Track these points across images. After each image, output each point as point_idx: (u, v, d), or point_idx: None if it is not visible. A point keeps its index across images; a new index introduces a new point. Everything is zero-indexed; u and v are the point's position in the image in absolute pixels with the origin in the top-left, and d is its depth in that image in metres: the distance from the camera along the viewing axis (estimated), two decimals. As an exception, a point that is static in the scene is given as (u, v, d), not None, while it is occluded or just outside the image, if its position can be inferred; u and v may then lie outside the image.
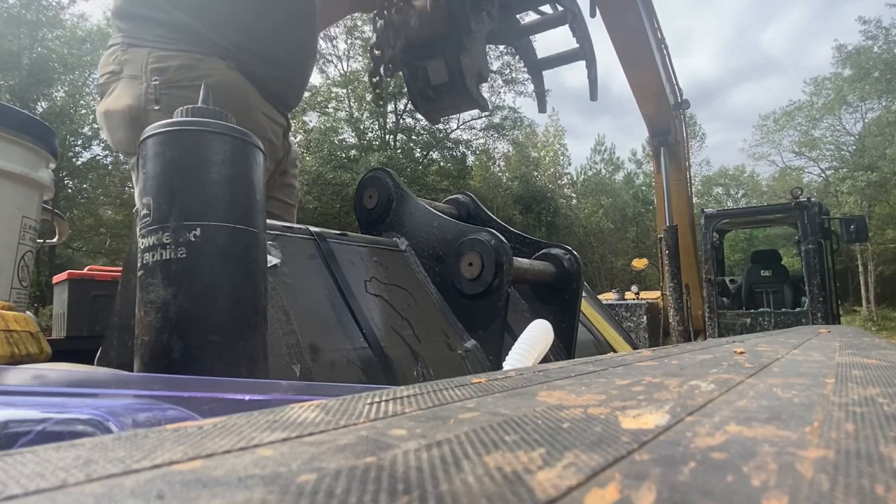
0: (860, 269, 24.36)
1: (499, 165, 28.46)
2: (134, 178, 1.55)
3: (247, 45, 1.59)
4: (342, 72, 21.09)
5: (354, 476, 0.19)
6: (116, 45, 1.54)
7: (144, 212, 0.73)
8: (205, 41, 1.53)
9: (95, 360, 1.03)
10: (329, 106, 21.07)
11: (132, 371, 0.72)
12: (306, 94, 20.39)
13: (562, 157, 32.77)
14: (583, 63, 2.30)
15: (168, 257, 0.70)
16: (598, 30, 3.19)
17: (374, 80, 1.90)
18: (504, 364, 0.99)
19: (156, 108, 1.47)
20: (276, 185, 1.94)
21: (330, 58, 21.14)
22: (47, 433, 0.39)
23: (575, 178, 33.61)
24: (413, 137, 23.20)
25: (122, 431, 0.37)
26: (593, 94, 2.34)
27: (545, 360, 1.05)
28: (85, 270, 2.45)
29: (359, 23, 20.47)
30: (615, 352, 1.92)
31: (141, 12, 1.52)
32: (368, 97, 19.41)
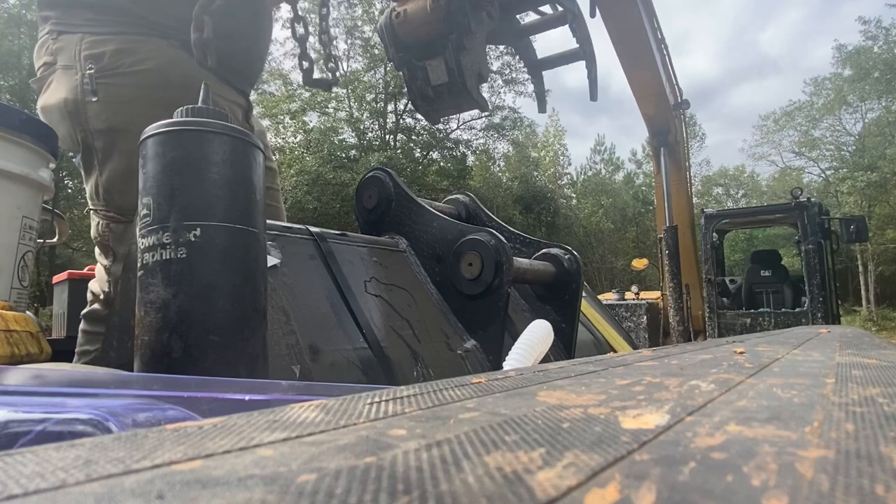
0: (860, 269, 24.36)
1: (499, 165, 28.46)
2: (84, 175, 1.47)
3: (187, 17, 1.43)
4: (342, 72, 21.09)
5: (354, 476, 0.19)
6: (46, 34, 1.41)
7: (144, 212, 0.73)
8: (141, 21, 1.39)
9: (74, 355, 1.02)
10: (329, 106, 21.07)
11: (132, 371, 0.72)
12: (306, 95, 20.41)
13: (562, 157, 32.80)
14: (582, 63, 2.30)
15: (168, 257, 0.70)
16: (598, 30, 3.20)
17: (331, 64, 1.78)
18: (504, 364, 0.99)
19: (93, 99, 1.36)
20: None
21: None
22: (47, 433, 0.39)
23: (575, 178, 33.64)
24: (413, 137, 23.20)
25: (122, 431, 0.37)
26: (593, 95, 2.34)
27: (545, 360, 1.05)
28: (85, 270, 2.46)
29: (359, 23, 20.49)
30: (615, 352, 1.92)
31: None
32: (358, 113, 19.36)
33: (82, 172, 1.49)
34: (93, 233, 1.52)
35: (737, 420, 0.30)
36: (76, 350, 1.42)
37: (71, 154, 1.55)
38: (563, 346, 1.52)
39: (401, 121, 22.16)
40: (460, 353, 1.32)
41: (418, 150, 23.75)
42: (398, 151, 21.62)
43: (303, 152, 18.83)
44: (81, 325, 1.47)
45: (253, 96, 1.88)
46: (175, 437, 0.25)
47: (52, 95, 1.40)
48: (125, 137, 1.35)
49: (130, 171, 1.41)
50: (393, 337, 1.20)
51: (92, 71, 1.35)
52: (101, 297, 1.48)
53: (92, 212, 1.51)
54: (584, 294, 1.72)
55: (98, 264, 1.55)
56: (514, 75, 22.45)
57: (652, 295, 6.98)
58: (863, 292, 24.25)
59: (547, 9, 2.25)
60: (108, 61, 1.36)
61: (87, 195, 1.50)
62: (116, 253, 1.49)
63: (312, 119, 20.95)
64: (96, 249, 1.53)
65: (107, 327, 1.39)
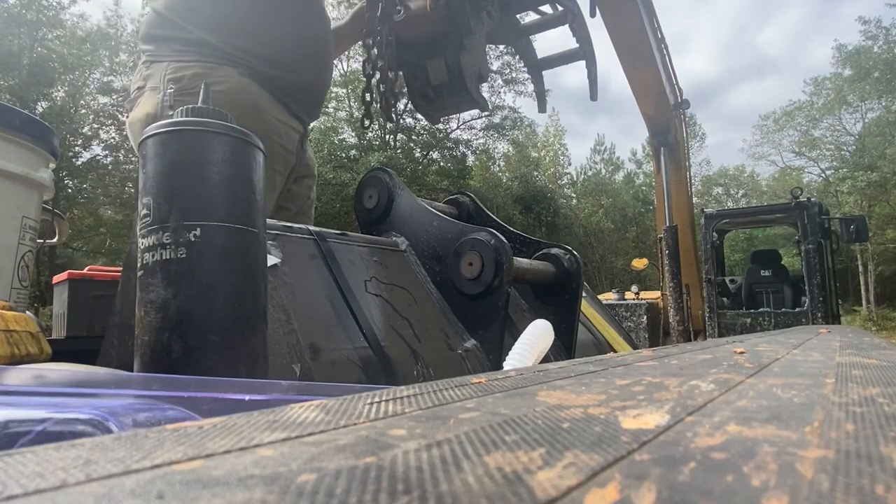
0: (860, 269, 24.36)
1: (499, 165, 28.45)
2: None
3: (257, 51, 1.66)
4: (342, 72, 21.08)
5: (354, 476, 0.19)
6: (142, 64, 1.67)
7: (144, 212, 0.73)
8: (216, 51, 1.62)
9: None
10: (329, 106, 21.06)
11: (132, 371, 0.72)
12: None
13: (562, 157, 32.80)
14: (581, 63, 2.30)
15: (168, 257, 0.70)
16: (598, 30, 3.19)
17: (366, 99, 1.88)
18: (504, 364, 0.99)
19: (170, 112, 1.52)
20: (290, 195, 1.92)
21: (330, 58, 21.13)
22: (47, 433, 0.39)
23: (575, 178, 33.63)
24: (413, 137, 23.18)
25: (122, 431, 0.37)
26: (593, 94, 2.34)
27: (545, 360, 1.05)
28: (85, 270, 2.45)
29: (359, 23, 20.44)
30: (615, 352, 1.92)
31: (162, 33, 1.64)
32: (358, 113, 19.41)
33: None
34: None
35: (737, 420, 0.30)
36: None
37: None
38: (563, 346, 1.52)
39: (401, 121, 22.15)
40: (460, 352, 1.32)
41: (418, 150, 23.73)
42: (398, 151, 21.60)
43: (303, 152, 18.79)
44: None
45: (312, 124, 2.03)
46: (175, 437, 0.25)
47: (139, 112, 1.61)
48: None
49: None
50: (393, 336, 1.20)
51: (172, 90, 1.57)
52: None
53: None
54: (584, 294, 1.72)
55: None
56: (514, 75, 22.46)
57: (652, 295, 6.98)
58: (863, 292, 24.25)
59: (547, 9, 2.25)
60: (186, 83, 1.57)
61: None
62: None
63: (312, 119, 20.90)
64: None
65: (107, 327, 1.39)
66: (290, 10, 1.74)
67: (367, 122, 1.91)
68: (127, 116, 1.72)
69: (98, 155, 19.39)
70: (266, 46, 1.68)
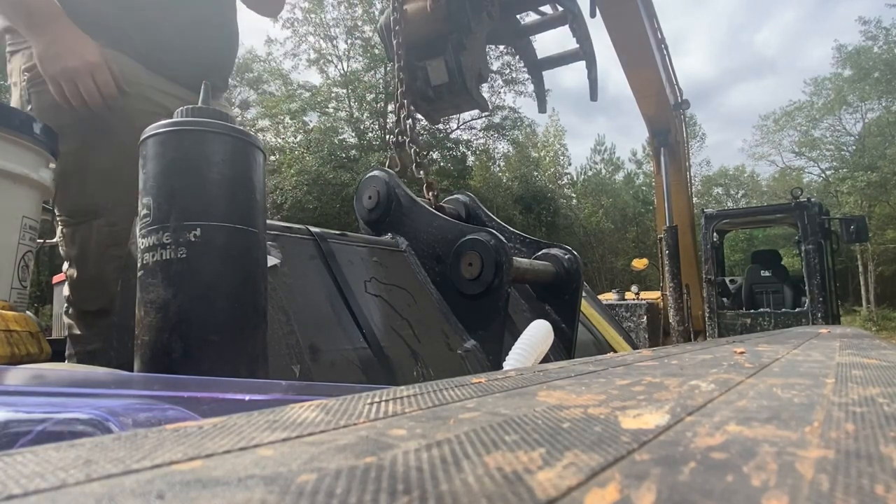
0: (860, 269, 24.36)
1: (499, 165, 28.45)
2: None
3: (121, 18, 1.45)
4: (342, 72, 21.09)
5: (354, 476, 0.19)
6: (6, 57, 1.48)
7: (144, 212, 0.73)
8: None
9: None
10: (329, 106, 21.06)
11: (132, 371, 0.72)
12: (306, 94, 20.39)
13: (562, 157, 32.80)
14: (579, 63, 2.31)
15: (168, 257, 0.70)
16: (598, 30, 3.19)
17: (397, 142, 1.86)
18: (504, 364, 0.99)
19: (29, 108, 1.40)
20: None
21: (330, 58, 21.15)
22: (47, 433, 0.39)
23: (575, 179, 33.63)
24: (413, 137, 23.08)
25: (122, 431, 0.37)
26: (593, 95, 2.34)
27: (545, 360, 1.05)
28: (85, 270, 2.45)
29: (359, 23, 20.47)
30: (615, 352, 1.92)
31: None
32: (358, 113, 19.43)
33: None
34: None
35: (737, 420, 0.30)
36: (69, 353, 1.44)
37: None
38: (563, 346, 1.52)
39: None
40: (460, 353, 1.32)
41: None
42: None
43: (303, 152, 18.81)
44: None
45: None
46: (175, 437, 0.25)
47: None
48: (60, 140, 1.37)
49: (69, 173, 1.42)
50: (393, 337, 1.20)
51: (25, 82, 1.39)
52: (65, 302, 1.50)
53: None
54: (584, 294, 1.72)
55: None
56: (514, 75, 22.44)
57: (652, 295, 6.97)
58: (863, 292, 24.24)
59: (547, 9, 2.26)
60: (37, 70, 1.36)
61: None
62: (70, 256, 1.49)
63: (312, 119, 20.95)
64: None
65: (107, 327, 1.39)
66: None
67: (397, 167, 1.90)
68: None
69: (98, 155, 19.33)
70: (132, 11, 1.47)
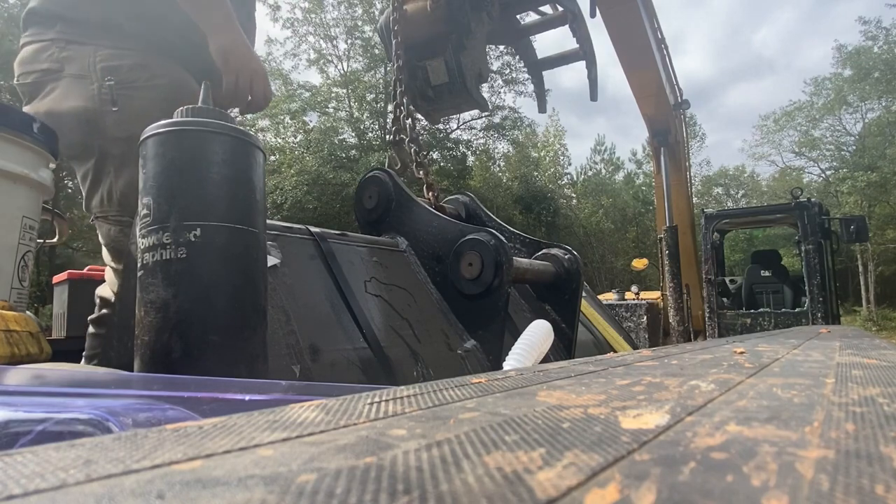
0: (860, 269, 24.35)
1: (499, 165, 28.44)
2: (91, 182, 1.47)
3: (186, 38, 1.49)
4: (342, 72, 21.09)
5: (354, 476, 0.19)
6: (48, 42, 1.43)
7: (144, 212, 0.73)
8: (148, 43, 1.47)
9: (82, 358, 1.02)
10: (329, 106, 21.06)
11: (132, 371, 0.72)
12: (306, 94, 20.39)
13: (562, 158, 32.79)
14: (579, 64, 2.31)
15: (168, 257, 0.70)
16: (598, 30, 3.19)
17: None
18: (504, 364, 0.99)
19: (113, 109, 1.41)
20: None
21: (330, 58, 21.16)
22: (47, 433, 0.39)
23: (575, 179, 33.63)
24: (413, 137, 23.07)
25: (122, 431, 0.37)
26: (593, 95, 2.34)
27: (545, 360, 1.05)
28: (85, 270, 2.45)
29: (359, 23, 20.48)
30: (615, 352, 1.92)
31: (71, 15, 1.43)
32: (358, 113, 19.44)
33: (88, 179, 1.48)
34: (104, 239, 1.52)
35: (737, 420, 0.30)
36: (84, 354, 1.42)
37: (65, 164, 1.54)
38: (563, 346, 1.52)
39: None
40: (460, 353, 1.32)
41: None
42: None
43: (303, 152, 18.82)
44: (90, 330, 1.46)
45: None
46: (175, 437, 0.25)
47: (62, 102, 1.41)
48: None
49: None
50: (393, 337, 1.20)
51: (112, 82, 1.41)
52: (113, 301, 1.48)
53: (100, 218, 1.50)
54: (584, 294, 1.72)
55: (108, 269, 1.54)
56: (514, 75, 22.44)
57: (652, 295, 6.97)
58: (863, 292, 24.24)
59: (547, 9, 2.26)
60: (125, 74, 1.43)
61: (96, 201, 1.48)
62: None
63: (312, 119, 20.95)
64: (107, 255, 1.52)
65: (107, 327, 1.39)
66: None
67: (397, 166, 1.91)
68: (26, 101, 1.47)
69: (98, 155, 19.34)
70: (172, 30, 1.50)
